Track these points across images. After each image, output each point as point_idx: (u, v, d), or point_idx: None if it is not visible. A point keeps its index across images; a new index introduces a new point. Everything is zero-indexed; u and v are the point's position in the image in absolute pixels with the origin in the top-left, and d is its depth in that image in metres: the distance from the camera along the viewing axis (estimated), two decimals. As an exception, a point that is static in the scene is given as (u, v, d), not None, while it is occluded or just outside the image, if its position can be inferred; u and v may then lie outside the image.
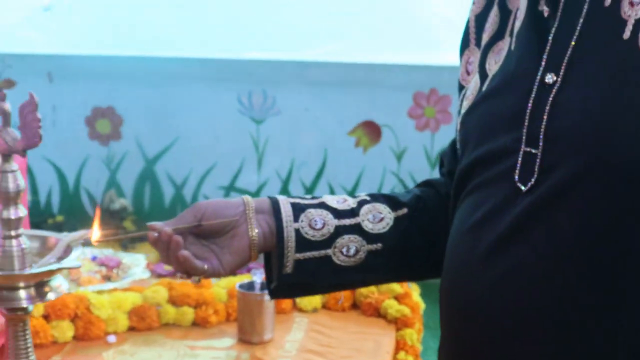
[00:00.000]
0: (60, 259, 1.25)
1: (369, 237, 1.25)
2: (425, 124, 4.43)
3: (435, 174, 1.41)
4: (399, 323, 2.00)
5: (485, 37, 1.23)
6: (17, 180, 1.23)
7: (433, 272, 1.26)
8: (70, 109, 4.57)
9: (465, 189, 1.16)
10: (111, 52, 4.63)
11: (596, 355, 1.02)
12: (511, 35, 1.17)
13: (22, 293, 1.23)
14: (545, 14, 1.11)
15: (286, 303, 2.00)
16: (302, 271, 1.24)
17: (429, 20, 4.79)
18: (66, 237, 1.27)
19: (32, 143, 1.19)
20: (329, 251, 1.24)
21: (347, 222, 1.25)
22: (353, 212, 1.26)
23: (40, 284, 1.24)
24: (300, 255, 1.24)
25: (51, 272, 1.23)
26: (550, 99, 1.06)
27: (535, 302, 1.04)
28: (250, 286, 1.85)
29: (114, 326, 1.90)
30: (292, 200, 1.25)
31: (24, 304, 1.24)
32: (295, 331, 1.95)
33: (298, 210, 1.24)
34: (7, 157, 1.23)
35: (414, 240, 1.28)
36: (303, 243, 1.23)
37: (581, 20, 1.07)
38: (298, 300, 2.01)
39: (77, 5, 4.93)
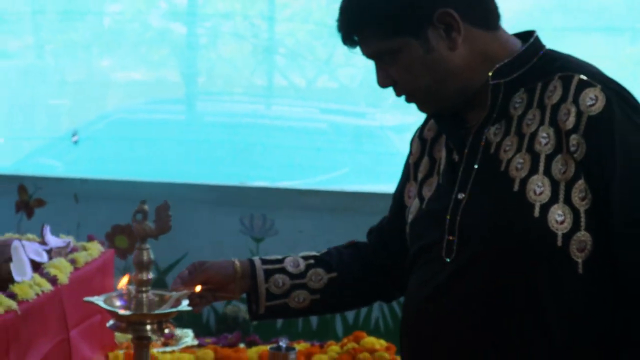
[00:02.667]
0: (172, 307, 1.92)
1: (312, 291, 2.02)
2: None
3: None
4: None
5: (420, 175, 1.95)
6: (149, 255, 1.92)
7: (351, 308, 2.34)
8: (93, 226, 5.23)
9: (416, 264, 1.87)
10: (130, 178, 5.34)
11: None
12: (438, 174, 1.89)
13: (148, 327, 1.89)
14: (456, 160, 1.84)
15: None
16: (270, 312, 2.01)
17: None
18: (176, 294, 1.95)
19: (164, 231, 1.89)
20: (287, 300, 2.01)
21: (298, 282, 2.01)
22: (302, 275, 2.01)
23: (160, 322, 1.91)
24: (269, 303, 2.00)
25: (169, 314, 1.90)
26: (461, 208, 1.77)
27: (456, 328, 1.75)
28: (278, 348, 2.51)
29: (174, 378, 2.55)
30: (265, 267, 2.00)
31: (149, 334, 1.89)
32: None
33: (268, 275, 2.00)
34: (144, 239, 1.92)
35: (340, 293, 2.04)
36: (270, 296, 2.00)
37: (477, 162, 1.79)
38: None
39: (101, 137, 5.69)
